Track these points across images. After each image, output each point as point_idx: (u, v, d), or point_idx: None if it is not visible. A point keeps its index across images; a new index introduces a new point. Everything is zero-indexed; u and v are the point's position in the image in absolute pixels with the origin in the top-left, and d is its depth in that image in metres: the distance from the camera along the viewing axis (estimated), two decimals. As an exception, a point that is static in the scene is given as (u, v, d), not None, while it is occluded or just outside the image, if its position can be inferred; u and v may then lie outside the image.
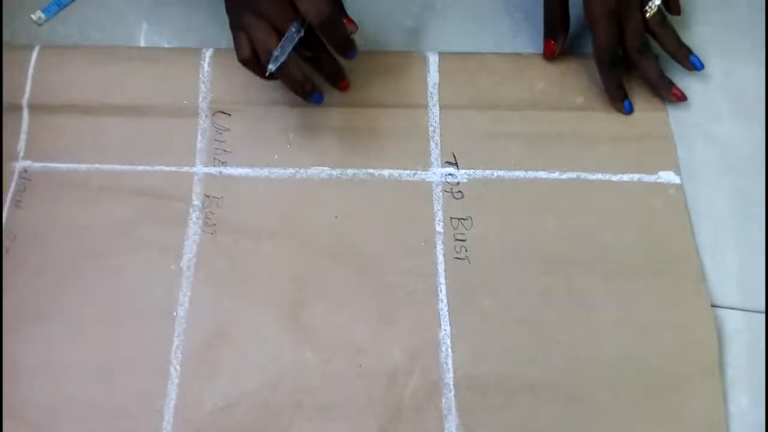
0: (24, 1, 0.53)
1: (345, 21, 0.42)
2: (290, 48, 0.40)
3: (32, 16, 0.52)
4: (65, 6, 0.53)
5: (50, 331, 0.41)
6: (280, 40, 0.40)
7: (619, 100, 0.46)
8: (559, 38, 0.46)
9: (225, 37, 0.49)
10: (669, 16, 0.46)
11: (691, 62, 0.46)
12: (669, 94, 0.46)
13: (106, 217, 0.44)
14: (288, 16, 0.40)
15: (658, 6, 0.45)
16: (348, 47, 0.42)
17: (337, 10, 0.41)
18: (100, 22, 0.52)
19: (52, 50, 0.49)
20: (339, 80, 0.46)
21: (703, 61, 0.46)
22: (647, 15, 0.45)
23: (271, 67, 0.40)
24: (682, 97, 0.46)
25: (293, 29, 0.40)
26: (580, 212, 0.44)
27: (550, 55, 0.47)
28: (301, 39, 0.40)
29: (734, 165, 0.45)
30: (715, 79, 0.48)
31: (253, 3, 0.40)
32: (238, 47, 0.41)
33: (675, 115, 0.46)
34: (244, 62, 0.42)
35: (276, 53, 0.40)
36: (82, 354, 0.41)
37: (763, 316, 0.41)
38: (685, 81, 0.47)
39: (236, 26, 0.42)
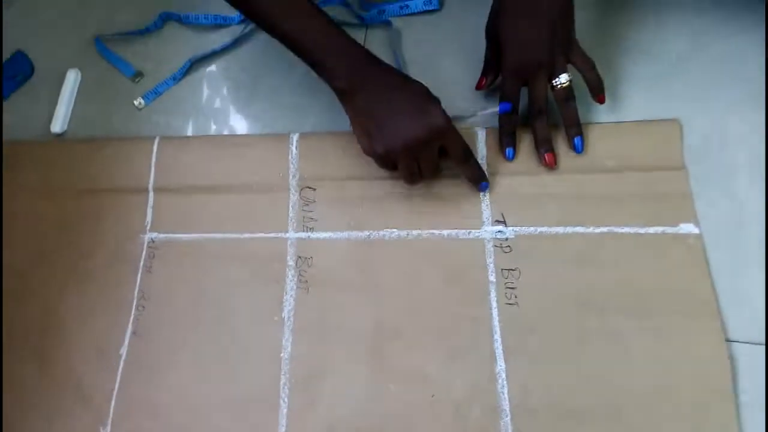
0: (126, 89, 0.64)
1: None
2: None
3: (134, 102, 0.63)
4: (161, 93, 0.64)
5: (182, 375, 0.52)
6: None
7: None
8: (489, 76, 0.57)
9: (309, 123, 0.60)
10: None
11: (573, 143, 0.54)
12: (542, 158, 0.54)
13: (220, 278, 0.55)
14: None
15: (566, 85, 0.52)
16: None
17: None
18: (195, 107, 0.63)
19: (169, 140, 0.60)
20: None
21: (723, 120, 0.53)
22: (554, 87, 0.52)
23: None
24: (551, 164, 0.54)
25: None
26: (612, 261, 0.51)
27: (480, 87, 0.57)
28: None
29: (749, 218, 0.51)
30: (735, 138, 0.54)
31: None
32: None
33: (695, 172, 0.53)
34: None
35: None
36: (208, 391, 0.51)
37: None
38: (704, 141, 0.54)
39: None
